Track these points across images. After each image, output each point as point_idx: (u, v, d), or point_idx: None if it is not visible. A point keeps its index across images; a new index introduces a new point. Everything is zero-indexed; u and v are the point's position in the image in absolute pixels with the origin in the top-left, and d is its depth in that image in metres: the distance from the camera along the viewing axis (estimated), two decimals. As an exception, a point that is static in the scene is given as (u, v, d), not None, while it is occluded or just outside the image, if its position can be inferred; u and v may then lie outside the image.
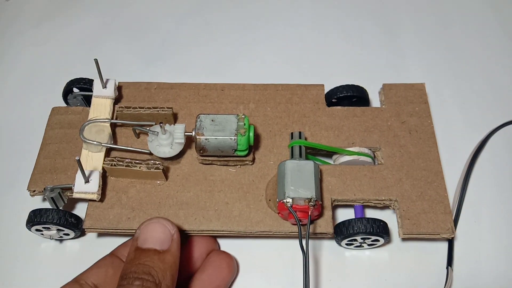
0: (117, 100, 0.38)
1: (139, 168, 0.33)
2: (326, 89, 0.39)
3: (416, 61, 0.46)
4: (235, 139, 0.32)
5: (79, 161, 0.30)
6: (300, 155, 0.34)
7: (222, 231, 0.33)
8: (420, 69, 0.45)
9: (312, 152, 0.37)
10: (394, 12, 0.50)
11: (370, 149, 0.36)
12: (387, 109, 0.37)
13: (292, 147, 0.34)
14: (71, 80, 0.39)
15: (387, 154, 0.35)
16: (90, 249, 0.36)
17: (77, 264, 0.32)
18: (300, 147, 0.34)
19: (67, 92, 0.39)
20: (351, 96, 0.38)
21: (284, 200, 0.30)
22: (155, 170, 0.33)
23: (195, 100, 0.38)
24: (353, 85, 0.38)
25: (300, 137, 0.35)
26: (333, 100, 0.39)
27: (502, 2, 0.50)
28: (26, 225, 0.33)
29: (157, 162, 0.33)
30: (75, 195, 0.32)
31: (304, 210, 0.30)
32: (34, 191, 0.34)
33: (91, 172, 0.33)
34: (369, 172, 0.34)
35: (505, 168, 0.39)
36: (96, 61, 0.34)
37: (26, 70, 0.46)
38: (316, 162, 0.33)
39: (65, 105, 0.40)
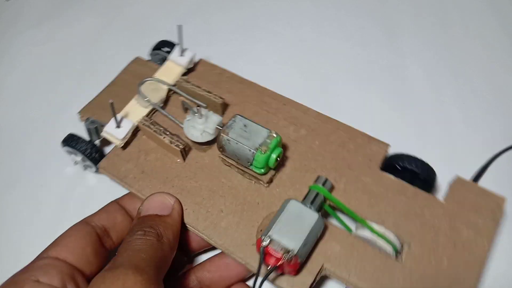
0: (188, 71, 0.39)
1: (163, 138, 0.33)
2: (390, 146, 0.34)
3: (416, 61, 0.46)
4: (253, 152, 0.30)
5: (112, 104, 0.32)
6: (312, 203, 0.30)
7: (202, 233, 0.31)
8: (420, 69, 0.45)
9: (336, 207, 0.32)
10: (394, 12, 0.49)
11: (399, 239, 0.30)
12: (445, 206, 0.30)
13: (309, 190, 0.30)
14: (164, 40, 0.41)
15: (414, 254, 0.29)
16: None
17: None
18: (317, 194, 0.30)
19: (155, 48, 0.41)
20: (415, 173, 0.32)
21: (263, 237, 0.27)
22: (174, 147, 0.33)
23: (254, 102, 0.37)
24: (424, 163, 0.32)
25: (324, 185, 0.30)
26: (395, 165, 0.33)
27: (502, 2, 0.50)
28: (62, 143, 0.37)
29: (181, 141, 0.33)
30: (103, 134, 0.34)
31: (276, 258, 0.26)
32: (83, 116, 0.37)
33: (127, 121, 0.34)
34: (381, 261, 0.28)
35: (505, 167, 0.38)
36: (179, 27, 0.35)
37: (26, 70, 0.46)
38: (322, 218, 0.29)
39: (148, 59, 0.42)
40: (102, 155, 0.36)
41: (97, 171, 0.38)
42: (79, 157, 0.37)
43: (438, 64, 0.45)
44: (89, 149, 0.35)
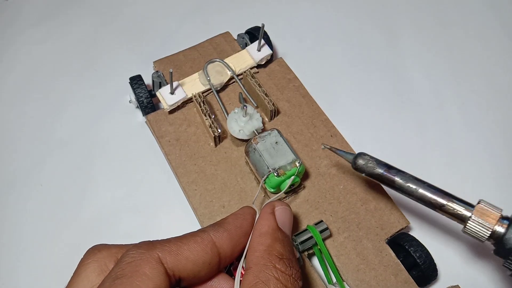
0: (260, 66, 0.40)
1: (205, 119, 0.35)
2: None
3: (416, 61, 0.46)
4: (269, 171, 0.30)
5: (171, 74, 0.34)
6: (302, 242, 0.30)
7: (198, 216, 0.33)
8: (420, 69, 0.45)
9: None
10: (394, 12, 0.49)
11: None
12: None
13: (305, 229, 0.31)
14: (257, 26, 0.42)
15: None
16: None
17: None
18: (311, 236, 0.30)
19: (248, 32, 0.42)
20: (417, 263, 0.31)
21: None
22: (211, 131, 0.34)
23: (305, 121, 0.37)
24: (429, 257, 0.31)
25: (322, 232, 0.30)
26: (402, 244, 0.32)
27: (502, 2, 0.50)
28: (129, 79, 0.39)
29: (220, 127, 0.35)
30: (157, 93, 0.37)
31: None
32: (155, 67, 0.40)
33: (181, 92, 0.37)
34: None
35: (505, 167, 0.38)
36: (262, 25, 0.36)
37: (25, 69, 0.45)
38: (300, 260, 0.29)
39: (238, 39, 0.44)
40: (153, 108, 0.39)
41: (144, 116, 0.40)
42: (133, 98, 0.40)
43: (438, 64, 0.46)
44: (144, 97, 0.38)
